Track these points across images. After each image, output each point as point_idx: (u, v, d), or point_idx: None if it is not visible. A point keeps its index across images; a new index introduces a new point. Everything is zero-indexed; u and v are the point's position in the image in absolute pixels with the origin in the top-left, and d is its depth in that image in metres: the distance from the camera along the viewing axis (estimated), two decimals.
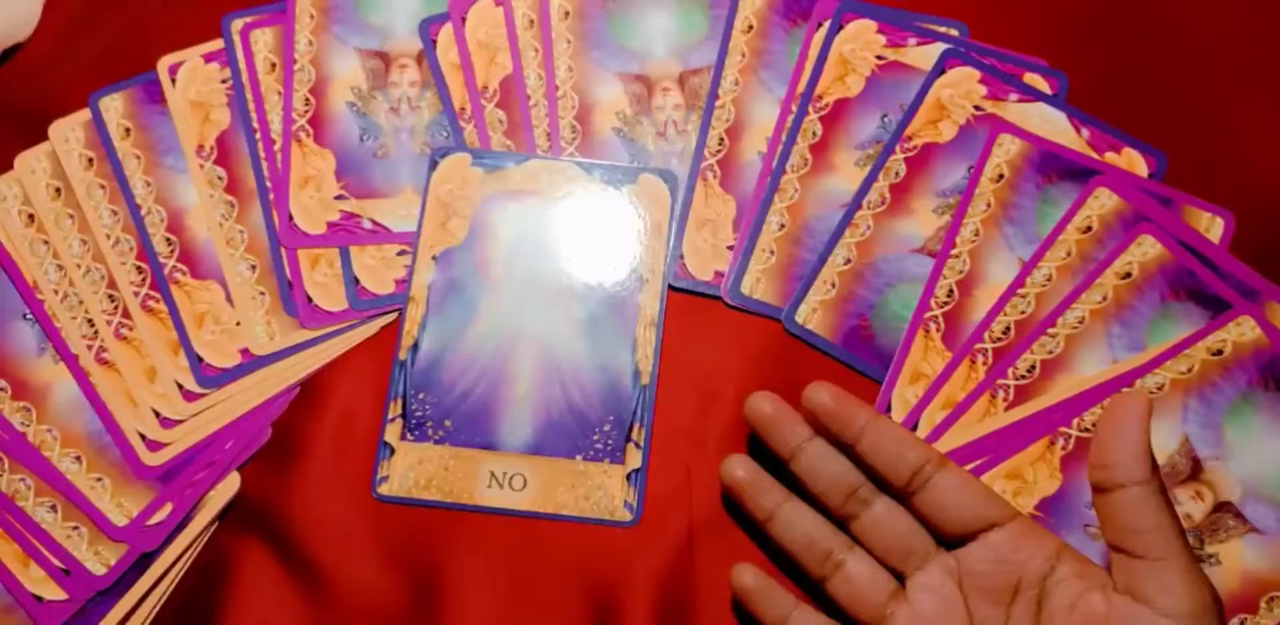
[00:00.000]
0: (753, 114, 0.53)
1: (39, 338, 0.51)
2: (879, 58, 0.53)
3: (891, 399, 0.48)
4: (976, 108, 0.51)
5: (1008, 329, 0.48)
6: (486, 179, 0.52)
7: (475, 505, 0.48)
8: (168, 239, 0.52)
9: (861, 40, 0.53)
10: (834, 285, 0.50)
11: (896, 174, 0.51)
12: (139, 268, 0.52)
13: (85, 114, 0.54)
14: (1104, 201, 0.48)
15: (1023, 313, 0.48)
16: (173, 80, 0.54)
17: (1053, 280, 0.48)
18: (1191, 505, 0.45)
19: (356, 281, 0.51)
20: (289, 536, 0.48)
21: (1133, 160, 0.50)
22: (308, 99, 0.54)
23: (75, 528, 0.49)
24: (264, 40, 0.55)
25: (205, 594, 0.48)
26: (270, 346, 0.51)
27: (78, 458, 0.49)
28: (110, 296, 0.52)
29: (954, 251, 0.49)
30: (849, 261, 0.50)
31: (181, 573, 0.48)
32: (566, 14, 0.54)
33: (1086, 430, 0.46)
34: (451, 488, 0.48)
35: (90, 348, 0.51)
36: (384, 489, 0.48)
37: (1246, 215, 0.49)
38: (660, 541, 0.48)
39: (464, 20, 0.54)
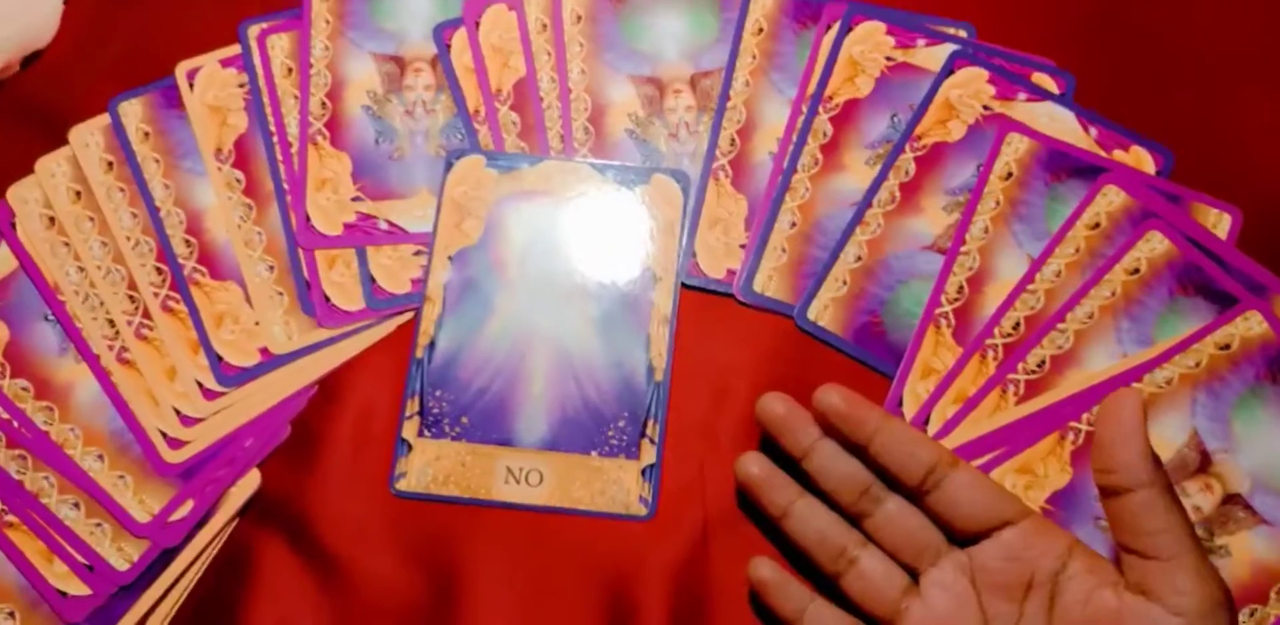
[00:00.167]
0: (764, 115, 0.53)
1: (60, 338, 0.52)
2: (888, 59, 0.53)
3: (903, 394, 0.48)
4: (985, 107, 0.52)
5: (1018, 324, 0.48)
6: (501, 180, 0.53)
7: (492, 500, 0.49)
8: (187, 240, 0.53)
9: (871, 42, 0.53)
10: (845, 282, 0.50)
11: (906, 173, 0.51)
12: (159, 269, 0.52)
13: (105, 119, 0.55)
14: (1112, 199, 0.49)
15: (1032, 308, 0.48)
16: (191, 85, 0.55)
17: (1062, 276, 0.48)
18: (1201, 498, 0.45)
19: (373, 281, 0.52)
20: (308, 532, 0.49)
21: (1140, 158, 0.51)
22: (324, 102, 0.54)
23: (98, 524, 0.49)
24: (281, 45, 0.55)
25: (226, 589, 0.49)
26: (289, 346, 0.51)
27: (100, 456, 0.50)
28: (130, 297, 0.52)
29: (964, 248, 0.50)
30: (860, 259, 0.51)
31: (203, 568, 0.49)
32: (579, 18, 0.55)
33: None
34: (469, 483, 0.49)
35: (111, 348, 0.51)
36: (402, 485, 0.49)
37: (1253, 212, 0.50)
38: (675, 536, 0.48)
39: (478, 24, 0.55)
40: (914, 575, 0.43)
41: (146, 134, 0.54)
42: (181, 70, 0.55)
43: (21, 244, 0.53)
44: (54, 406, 0.51)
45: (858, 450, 0.43)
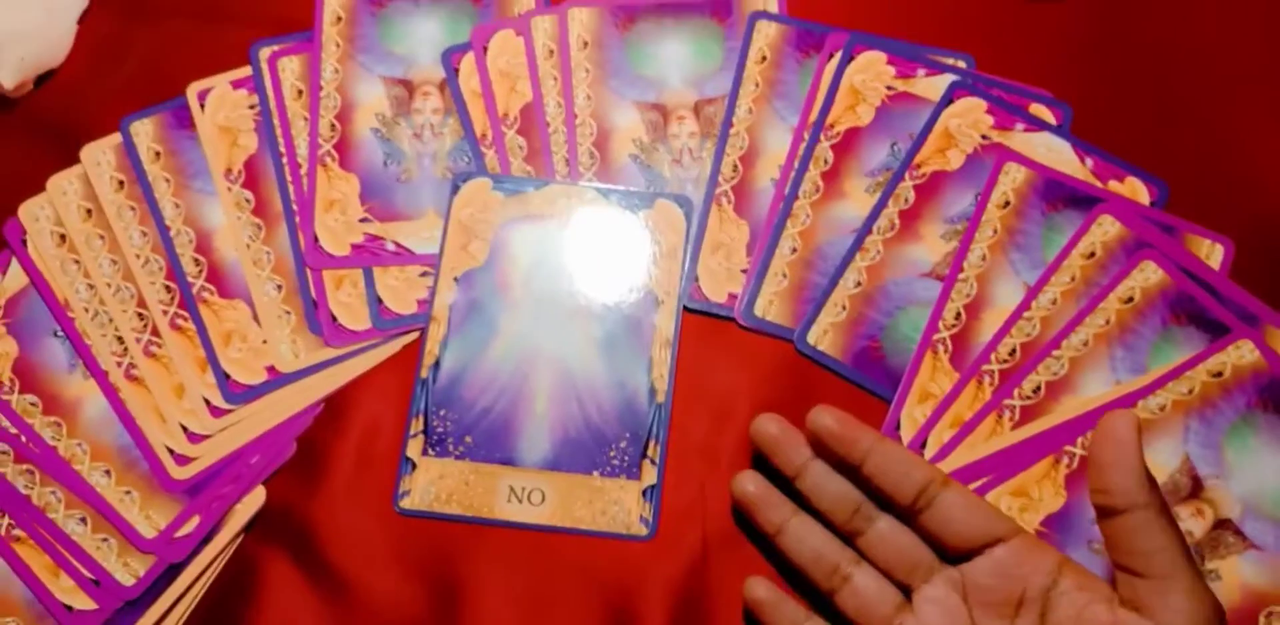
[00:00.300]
0: (766, 142, 0.54)
1: (69, 354, 0.52)
2: (889, 88, 0.54)
3: (901, 418, 0.49)
4: (983, 137, 0.53)
5: (1014, 351, 0.49)
6: (507, 203, 0.53)
7: (495, 519, 0.49)
8: (196, 259, 0.53)
9: (872, 71, 0.54)
10: (845, 308, 0.51)
11: (906, 200, 0.52)
12: (168, 287, 0.53)
13: (116, 138, 0.55)
14: (1107, 228, 0.50)
15: (1028, 335, 0.49)
16: (202, 106, 0.56)
17: (1057, 304, 0.49)
18: (1193, 522, 0.46)
19: (380, 301, 0.53)
20: (313, 549, 0.49)
21: (1135, 189, 0.52)
22: (333, 125, 0.55)
23: (105, 539, 0.50)
24: (291, 68, 0.56)
25: (231, 605, 0.49)
26: (295, 364, 0.52)
27: (107, 471, 0.50)
28: (140, 315, 0.53)
29: (961, 276, 0.50)
30: (859, 285, 0.51)
31: (208, 584, 0.49)
32: (585, 44, 0.56)
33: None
34: (472, 502, 0.49)
35: (120, 364, 0.52)
36: (406, 503, 0.49)
37: (1246, 243, 0.50)
38: (675, 555, 0.49)
39: (485, 49, 0.56)
40: (907, 592, 0.43)
41: (158, 153, 0.55)
42: (193, 91, 0.56)
43: (32, 261, 0.54)
44: (62, 422, 0.51)
45: (850, 470, 0.44)
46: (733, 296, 0.52)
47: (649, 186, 0.54)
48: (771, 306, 0.52)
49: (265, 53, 0.56)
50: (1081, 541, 0.46)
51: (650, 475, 0.49)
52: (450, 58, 0.56)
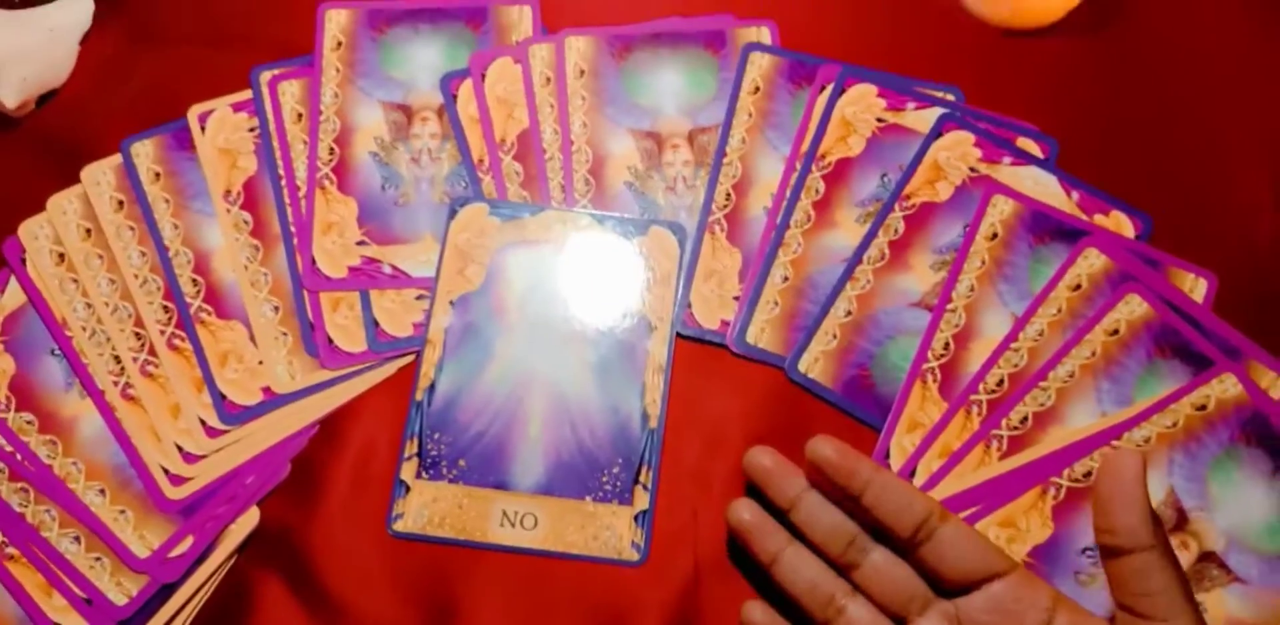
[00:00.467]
0: (759, 171, 0.54)
1: (66, 373, 0.52)
2: (879, 120, 0.54)
3: (890, 447, 0.49)
4: (972, 169, 0.53)
5: (1001, 381, 0.49)
6: (503, 228, 0.53)
7: (487, 543, 0.49)
8: (194, 280, 0.53)
9: (863, 103, 0.55)
10: (835, 336, 0.51)
11: (896, 231, 0.52)
12: (165, 307, 0.53)
13: (116, 158, 0.55)
14: (1093, 261, 0.50)
15: (1016, 366, 0.49)
16: (202, 128, 0.56)
17: (1044, 335, 0.49)
18: (1178, 555, 0.46)
19: (376, 324, 0.52)
20: (306, 570, 0.49)
21: (1120, 222, 0.52)
22: (332, 148, 0.55)
23: (98, 559, 0.49)
24: (291, 91, 0.56)
25: None
26: (291, 385, 0.52)
27: (102, 490, 0.50)
28: (137, 334, 0.52)
29: (950, 306, 0.51)
30: (850, 314, 0.51)
31: (201, 604, 0.49)
32: (582, 72, 0.56)
33: (1077, 480, 0.47)
34: (465, 526, 0.49)
35: (116, 383, 0.52)
36: (399, 525, 0.49)
37: (1229, 276, 0.51)
38: (666, 581, 0.48)
39: (484, 76, 0.56)
40: (901, 624, 0.43)
41: (157, 174, 0.55)
42: (194, 113, 0.56)
43: (31, 279, 0.53)
44: (57, 440, 0.51)
45: (849, 501, 0.43)
46: (725, 323, 0.52)
47: (643, 213, 0.54)
48: (763, 334, 0.52)
49: (266, 76, 0.56)
50: (1068, 572, 0.46)
51: (642, 500, 0.49)
52: (449, 84, 0.56)
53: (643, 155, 0.55)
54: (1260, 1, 0.57)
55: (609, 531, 0.49)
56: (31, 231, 0.54)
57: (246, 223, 0.54)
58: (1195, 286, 0.50)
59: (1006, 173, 0.53)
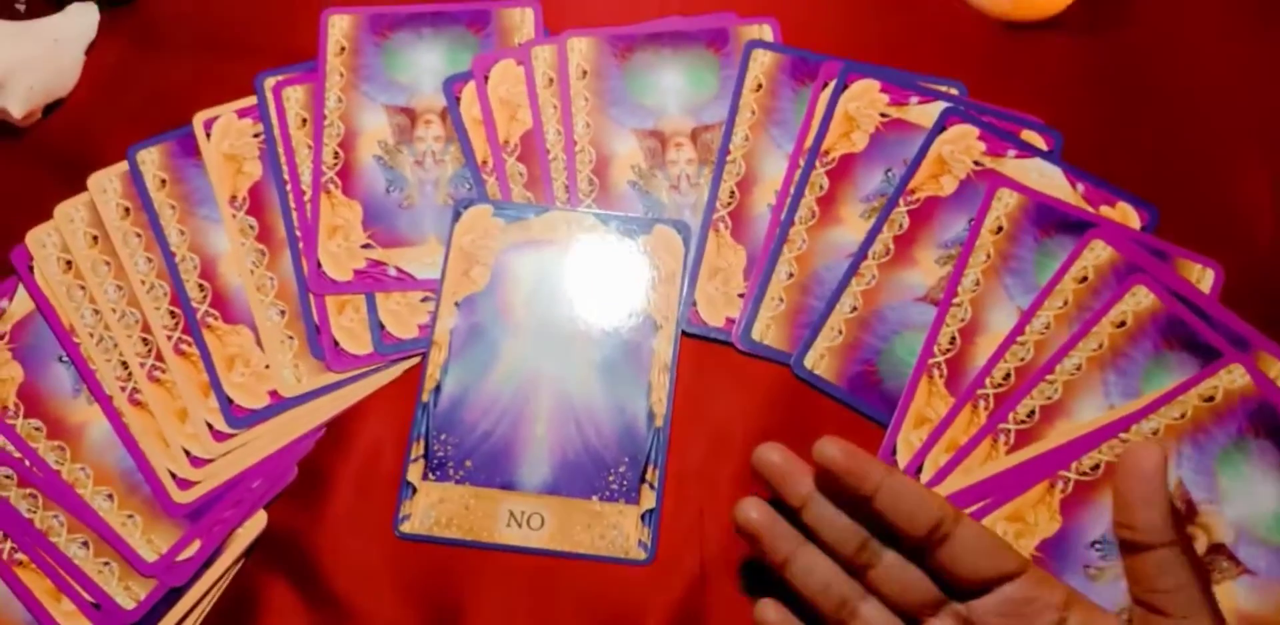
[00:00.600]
0: (762, 168, 0.54)
1: (74, 379, 0.53)
2: (882, 115, 0.54)
3: (897, 442, 0.49)
4: (976, 163, 0.53)
5: (1008, 375, 0.49)
6: (507, 229, 0.54)
7: (495, 544, 0.49)
8: (200, 285, 0.54)
9: (866, 99, 0.55)
10: (841, 332, 0.51)
11: (900, 226, 0.52)
12: (172, 312, 0.53)
13: (123, 166, 0.56)
14: (1099, 253, 0.50)
15: (1022, 359, 0.49)
16: (207, 134, 0.56)
17: (1051, 328, 0.49)
18: None
19: (382, 326, 0.53)
20: (314, 573, 0.49)
21: (1126, 214, 0.52)
22: (337, 152, 0.55)
23: (106, 563, 0.50)
24: (295, 97, 0.57)
25: None
26: (298, 389, 0.52)
27: (110, 495, 0.51)
28: (144, 340, 0.53)
29: (956, 300, 0.51)
30: (855, 309, 0.51)
31: (208, 608, 0.49)
32: (584, 73, 0.56)
33: (1085, 474, 0.47)
34: (471, 526, 0.49)
35: (124, 389, 0.52)
36: (406, 527, 0.49)
37: (1235, 267, 0.51)
38: (673, 579, 0.48)
39: (486, 78, 0.56)
40: None
41: (163, 181, 0.55)
42: (199, 120, 0.56)
43: (39, 287, 0.54)
44: (66, 446, 0.51)
45: (858, 503, 0.41)
46: (730, 321, 0.52)
47: (647, 212, 0.54)
48: (769, 331, 0.52)
49: (270, 82, 0.57)
50: (1077, 566, 0.46)
51: (649, 499, 0.49)
52: (452, 87, 0.56)
53: (646, 154, 0.55)
54: None
55: (616, 531, 0.49)
56: (39, 239, 0.55)
57: (252, 228, 0.55)
58: (1202, 277, 0.50)
59: (1011, 166, 0.53)
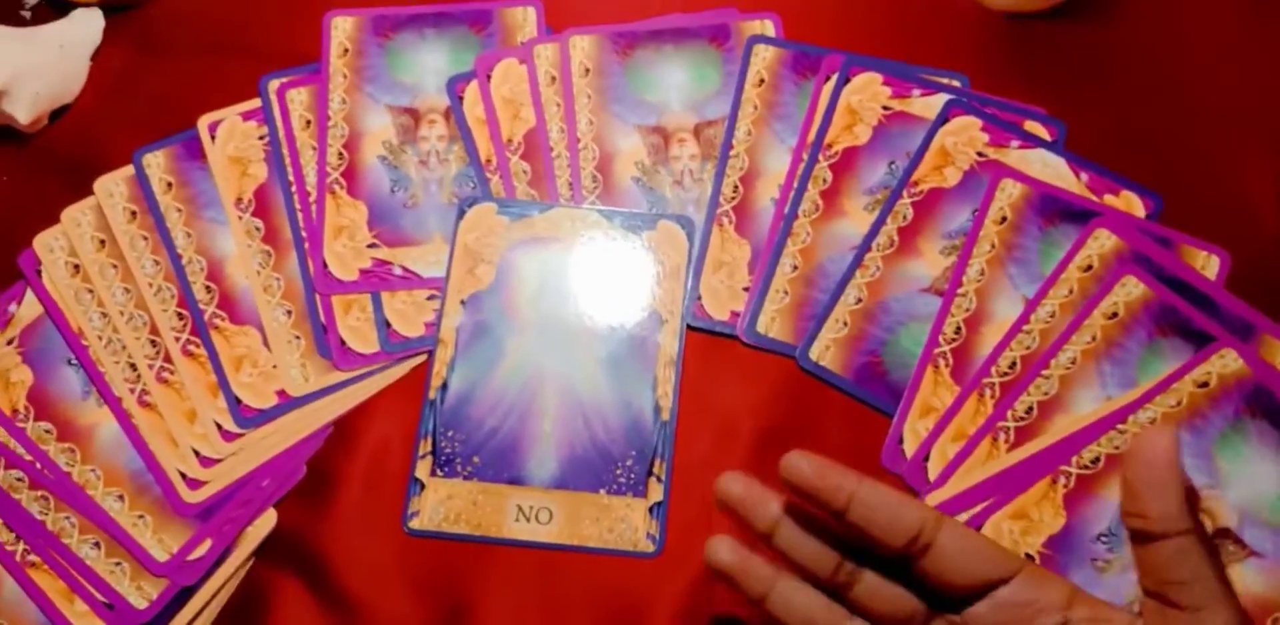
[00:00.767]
0: (766, 162, 0.56)
1: (83, 382, 0.54)
2: (885, 108, 0.56)
3: (903, 432, 0.50)
4: (979, 154, 0.54)
5: (1014, 364, 0.50)
6: (512, 227, 0.55)
7: (503, 538, 0.50)
8: (207, 287, 0.55)
9: (868, 92, 0.56)
10: (846, 324, 0.52)
11: (904, 217, 0.53)
12: (180, 314, 0.55)
13: (129, 170, 0.58)
14: (1103, 242, 0.51)
15: (1028, 348, 0.50)
16: (213, 137, 0.58)
17: (1056, 317, 0.50)
18: None
19: (388, 325, 0.54)
20: (323, 571, 0.51)
21: (1130, 202, 0.53)
22: (341, 153, 0.57)
23: (118, 563, 0.51)
24: (299, 99, 0.58)
25: None
26: (306, 388, 0.53)
27: (120, 496, 0.52)
28: (152, 342, 0.54)
29: (961, 290, 0.52)
30: (860, 301, 0.53)
31: (220, 607, 0.51)
32: (586, 70, 0.58)
33: (1086, 467, 0.48)
34: (480, 522, 0.50)
35: (133, 391, 0.54)
36: (415, 523, 0.51)
37: (1240, 255, 0.51)
38: (682, 572, 0.50)
39: (489, 77, 0.58)
40: None
41: (169, 184, 0.57)
42: (204, 123, 0.58)
43: (47, 290, 0.55)
44: (76, 448, 0.53)
45: (828, 521, 0.40)
46: (735, 314, 0.53)
47: (651, 208, 0.55)
48: (774, 324, 0.53)
49: (274, 85, 0.58)
50: (1084, 560, 0.47)
51: (657, 492, 0.50)
52: (455, 86, 0.58)
53: (649, 150, 0.56)
54: None
55: (624, 524, 0.50)
56: (46, 244, 0.56)
57: (258, 229, 0.56)
58: (1207, 264, 0.51)
59: (1015, 156, 0.54)
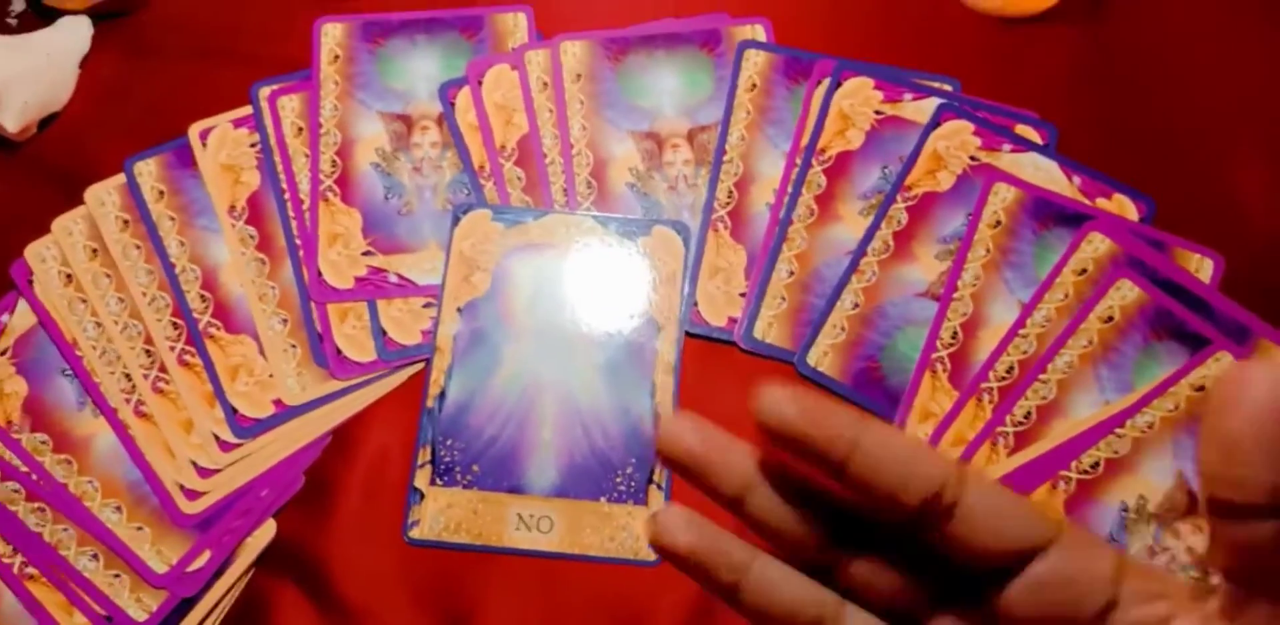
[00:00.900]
0: (760, 167, 0.56)
1: (79, 392, 0.54)
2: (877, 113, 0.56)
3: None
4: (972, 158, 0.55)
5: (1011, 368, 0.51)
6: (507, 233, 0.55)
7: (504, 547, 0.51)
8: (202, 296, 0.55)
9: (860, 96, 0.57)
10: (843, 329, 0.53)
11: (899, 222, 0.54)
12: (174, 324, 0.55)
13: (120, 178, 0.58)
14: (1097, 245, 0.52)
15: (1025, 352, 0.51)
16: (204, 145, 0.58)
17: (1052, 321, 0.51)
18: (1194, 538, 0.47)
19: (384, 333, 0.55)
20: (324, 581, 0.51)
21: (1123, 205, 0.54)
22: (334, 160, 0.57)
23: (117, 576, 0.51)
24: (291, 106, 0.58)
25: None
26: (302, 397, 0.54)
27: (118, 508, 0.52)
28: (147, 351, 0.55)
29: (956, 295, 0.52)
30: (857, 306, 0.53)
31: (220, 618, 0.51)
32: (578, 76, 0.58)
33: (1085, 472, 0.48)
34: (480, 531, 0.51)
35: (129, 401, 0.54)
36: (415, 533, 0.51)
37: (1235, 257, 0.52)
38: (684, 580, 0.49)
39: (481, 83, 0.58)
40: None
41: (161, 193, 0.57)
42: (195, 130, 0.58)
43: (40, 301, 0.56)
44: (72, 459, 0.53)
45: (827, 475, 0.28)
46: (732, 320, 0.54)
47: (646, 214, 0.56)
48: (771, 329, 0.54)
49: (265, 92, 0.59)
50: None
51: (657, 500, 0.51)
52: (447, 92, 0.58)
53: (643, 156, 0.57)
54: None
55: (625, 532, 0.51)
56: (38, 254, 0.56)
57: (252, 237, 0.56)
58: (1201, 267, 0.52)
59: (1007, 160, 0.55)
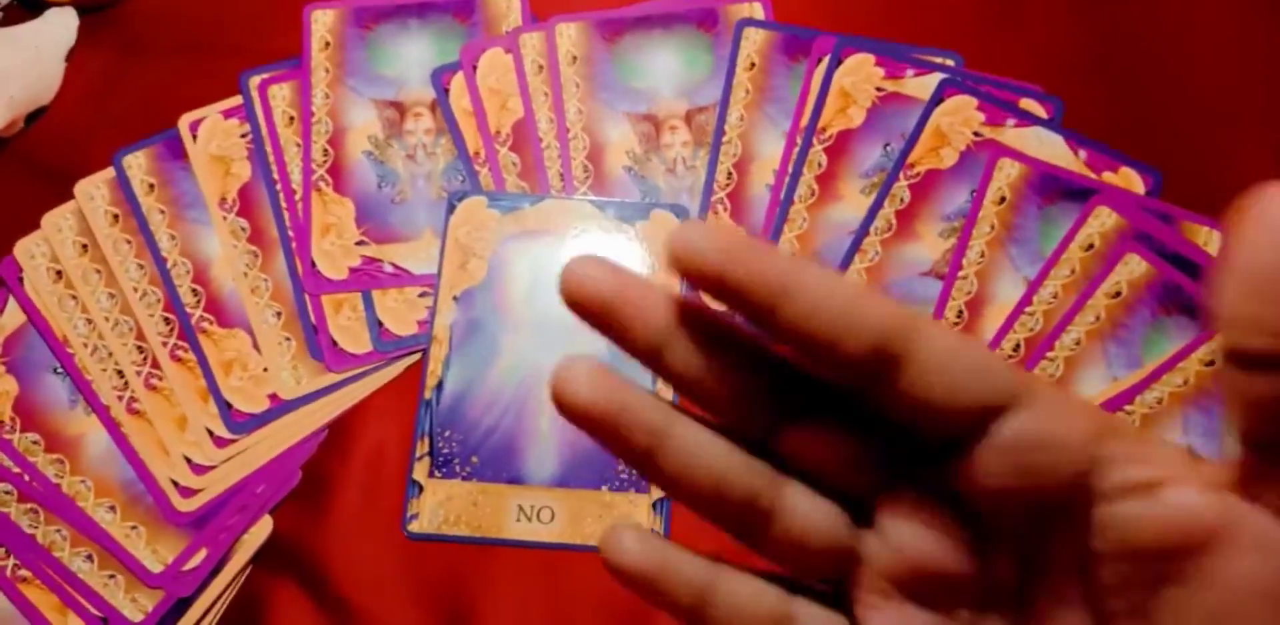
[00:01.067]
0: (759, 148, 0.56)
1: (70, 390, 0.54)
2: (878, 89, 0.56)
3: None
4: (975, 134, 0.54)
5: (1018, 346, 0.50)
6: (503, 220, 0.55)
7: (505, 539, 0.50)
8: (194, 290, 0.55)
9: (861, 73, 0.56)
10: None
11: (901, 200, 0.54)
12: (167, 319, 0.55)
13: (109, 172, 0.58)
14: (1104, 220, 0.51)
15: (1031, 330, 0.50)
16: (194, 136, 0.58)
17: (1059, 298, 0.51)
18: None
19: (380, 324, 0.54)
20: (322, 577, 0.51)
21: (1130, 179, 0.53)
22: (326, 149, 0.57)
23: (112, 576, 0.51)
24: (281, 95, 0.58)
25: None
26: (298, 391, 0.54)
27: (112, 507, 0.52)
28: (139, 347, 0.55)
29: (961, 273, 0.52)
30: None
31: (217, 617, 0.51)
32: (574, 59, 0.58)
33: None
34: (481, 523, 0.51)
35: (121, 398, 0.54)
36: (414, 526, 0.51)
37: None
38: None
39: (475, 68, 0.58)
40: (860, 507, 0.25)
41: (151, 186, 0.57)
42: (184, 122, 0.58)
43: (29, 298, 0.55)
44: (65, 459, 0.53)
45: (752, 324, 0.23)
46: None
47: (644, 197, 0.55)
48: None
49: (255, 81, 0.58)
50: None
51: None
52: (440, 77, 0.58)
53: (640, 139, 0.57)
54: None
55: (627, 520, 0.50)
56: (27, 250, 0.56)
57: (244, 229, 0.56)
58: (1210, 239, 0.51)
59: (1011, 135, 0.54)
